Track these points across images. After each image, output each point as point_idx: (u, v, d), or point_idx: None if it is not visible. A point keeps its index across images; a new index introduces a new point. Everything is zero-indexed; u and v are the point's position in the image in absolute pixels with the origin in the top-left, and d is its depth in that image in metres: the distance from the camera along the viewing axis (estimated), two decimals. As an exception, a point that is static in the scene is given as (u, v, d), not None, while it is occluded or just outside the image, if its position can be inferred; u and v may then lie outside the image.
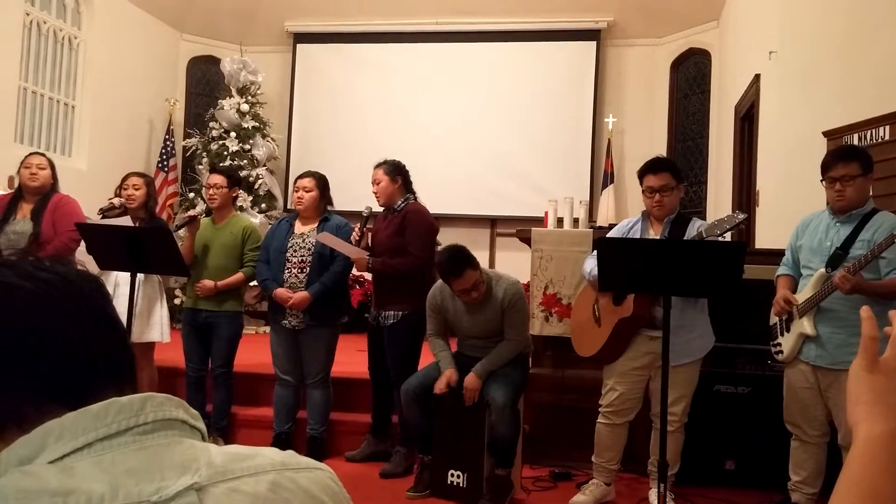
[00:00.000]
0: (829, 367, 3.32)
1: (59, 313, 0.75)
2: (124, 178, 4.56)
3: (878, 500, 0.71)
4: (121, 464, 0.69)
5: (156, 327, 4.41)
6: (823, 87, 5.07)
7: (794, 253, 3.59)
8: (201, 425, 0.79)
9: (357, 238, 4.25)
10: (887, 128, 4.32)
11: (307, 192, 4.35)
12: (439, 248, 4.62)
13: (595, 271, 3.51)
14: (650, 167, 3.69)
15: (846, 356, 3.25)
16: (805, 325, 3.39)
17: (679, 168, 3.82)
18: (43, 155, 4.68)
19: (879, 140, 4.35)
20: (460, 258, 3.71)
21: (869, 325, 0.81)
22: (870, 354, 0.80)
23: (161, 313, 4.46)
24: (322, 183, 4.41)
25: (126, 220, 4.30)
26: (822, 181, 3.43)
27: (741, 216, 3.38)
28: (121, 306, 3.94)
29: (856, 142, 4.49)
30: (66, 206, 4.52)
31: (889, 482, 0.72)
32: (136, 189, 4.47)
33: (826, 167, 3.39)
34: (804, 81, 5.32)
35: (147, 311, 4.40)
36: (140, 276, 4.26)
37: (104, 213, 4.42)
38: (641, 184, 3.71)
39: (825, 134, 4.82)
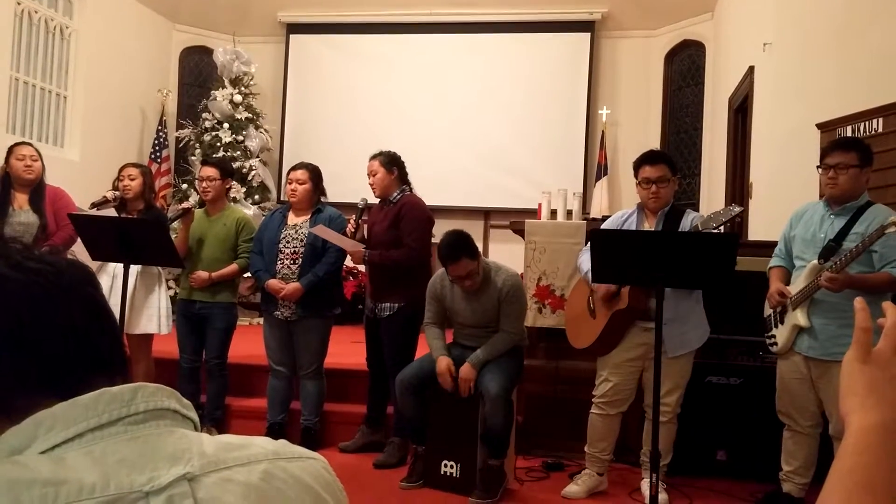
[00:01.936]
0: (821, 358, 3.34)
1: (49, 303, 0.75)
2: (121, 169, 4.54)
3: (870, 491, 0.71)
4: (112, 454, 0.69)
5: (154, 319, 4.38)
6: (817, 79, 5.07)
7: (787, 244, 3.61)
8: (193, 415, 0.79)
9: (352, 230, 4.24)
10: (881, 120, 4.32)
11: (301, 184, 4.33)
12: (434, 240, 4.62)
13: (591, 272, 3.52)
14: (647, 158, 3.70)
15: (837, 347, 3.27)
16: (799, 317, 3.40)
17: (675, 161, 3.82)
18: (31, 145, 4.66)
19: (873, 132, 4.35)
20: (459, 244, 3.71)
21: (862, 316, 0.81)
22: (863, 345, 0.80)
23: (160, 304, 4.43)
24: (315, 174, 4.40)
25: (110, 211, 4.28)
26: (818, 167, 3.45)
27: (737, 209, 3.39)
28: (118, 298, 3.94)
29: (849, 134, 4.49)
30: (62, 198, 4.57)
31: (881, 472, 0.72)
32: (132, 179, 4.45)
33: (824, 154, 3.43)
34: (798, 73, 5.33)
35: (145, 303, 4.37)
36: (137, 267, 4.26)
37: (97, 206, 4.40)
38: (637, 175, 3.71)
39: (819, 126, 4.82)
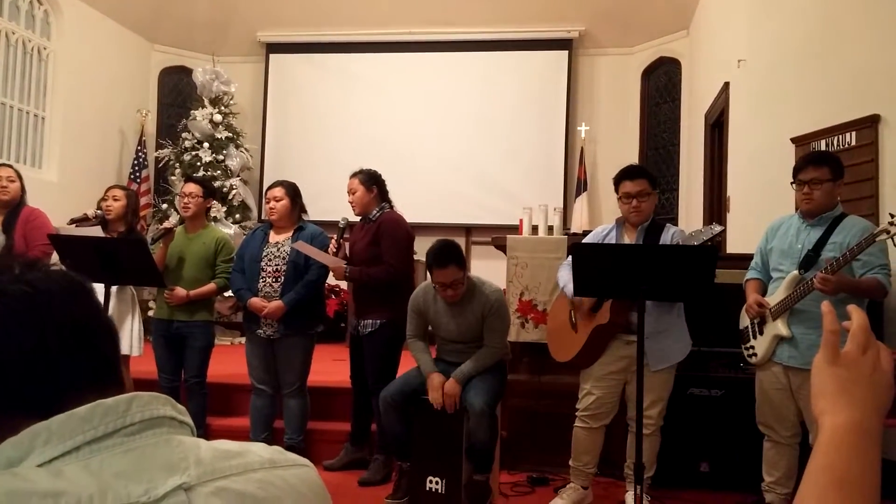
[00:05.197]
0: (801, 368, 3.38)
1: (18, 328, 0.75)
2: (106, 190, 4.53)
3: (843, 487, 0.74)
4: (109, 466, 0.70)
5: (126, 340, 4.36)
6: (791, 94, 5.16)
7: (763, 256, 3.66)
8: (189, 420, 0.80)
9: (334, 249, 4.24)
10: (854, 133, 4.41)
11: (278, 201, 4.34)
12: (417, 256, 4.64)
13: (570, 286, 3.54)
14: (627, 173, 3.73)
15: (818, 356, 3.30)
16: (780, 327, 3.44)
17: (654, 175, 3.87)
18: (10, 167, 4.64)
19: (846, 146, 4.44)
20: (448, 252, 3.71)
21: (829, 319, 0.84)
22: (831, 348, 0.83)
23: (133, 326, 4.41)
24: (292, 191, 4.40)
25: (97, 231, 4.25)
26: (792, 184, 3.50)
27: (717, 228, 3.44)
28: None
29: (823, 147, 4.58)
30: (36, 219, 4.51)
31: (854, 469, 0.75)
32: (116, 200, 4.43)
33: (797, 170, 3.48)
34: (772, 89, 5.42)
35: (120, 325, 4.34)
36: (113, 288, 4.23)
37: (76, 223, 4.37)
38: (617, 191, 3.74)
39: (793, 140, 4.91)
